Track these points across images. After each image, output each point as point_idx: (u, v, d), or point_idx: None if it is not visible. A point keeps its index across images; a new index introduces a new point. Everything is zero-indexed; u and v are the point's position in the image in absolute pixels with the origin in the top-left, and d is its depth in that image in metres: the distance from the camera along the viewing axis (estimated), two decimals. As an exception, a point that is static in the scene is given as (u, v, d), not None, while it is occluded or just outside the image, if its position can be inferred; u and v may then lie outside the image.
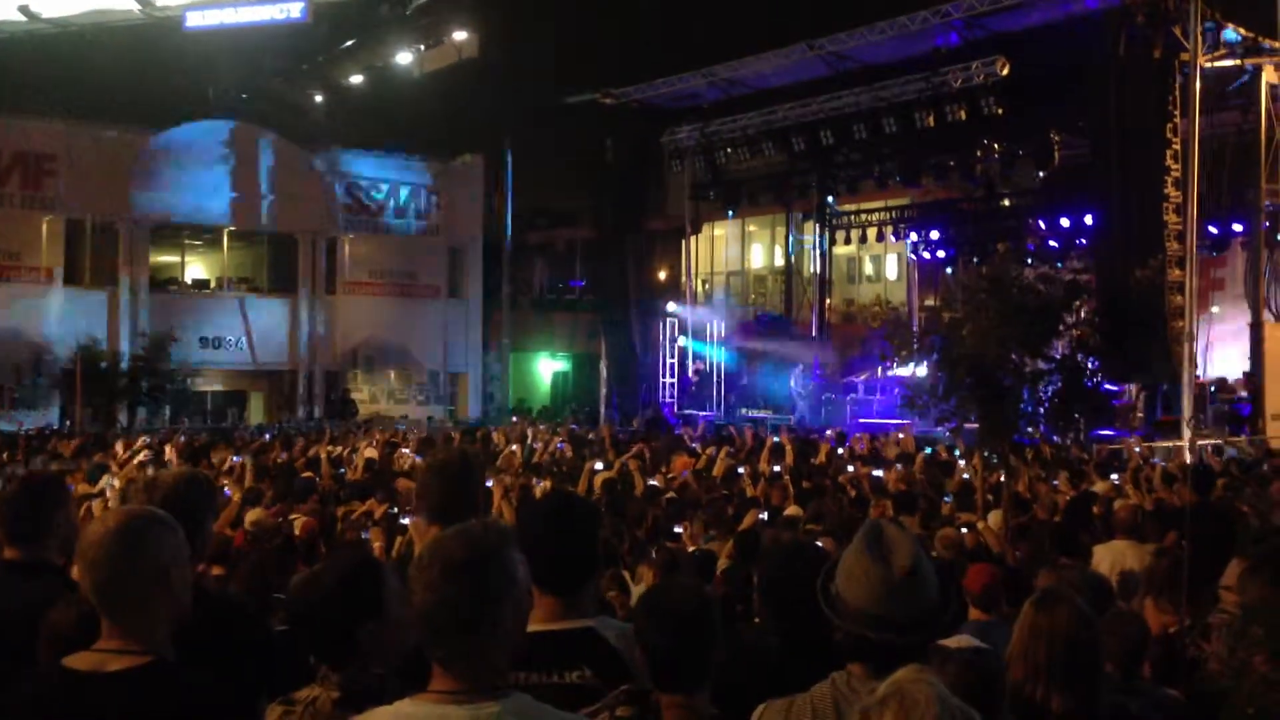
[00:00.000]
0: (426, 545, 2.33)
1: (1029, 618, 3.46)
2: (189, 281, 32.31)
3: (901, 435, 16.09)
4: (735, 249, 39.14)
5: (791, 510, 9.42)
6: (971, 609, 5.46)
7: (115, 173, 28.39)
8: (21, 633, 3.13)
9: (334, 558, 3.85)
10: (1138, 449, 15.61)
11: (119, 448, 15.54)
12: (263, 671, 3.26)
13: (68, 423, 25.11)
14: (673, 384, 31.27)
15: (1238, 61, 19.51)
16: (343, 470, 14.13)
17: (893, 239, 32.37)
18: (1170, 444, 17.33)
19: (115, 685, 2.54)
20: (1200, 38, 18.61)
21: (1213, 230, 22.06)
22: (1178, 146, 19.90)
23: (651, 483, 11.92)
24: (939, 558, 7.10)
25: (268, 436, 20.74)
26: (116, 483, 10.97)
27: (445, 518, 3.39)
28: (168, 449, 15.24)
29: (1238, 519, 8.23)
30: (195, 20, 25.97)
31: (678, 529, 8.37)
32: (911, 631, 2.56)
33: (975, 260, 27.52)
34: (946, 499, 10.76)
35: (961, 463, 13.67)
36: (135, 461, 13.37)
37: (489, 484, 7.99)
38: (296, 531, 8.60)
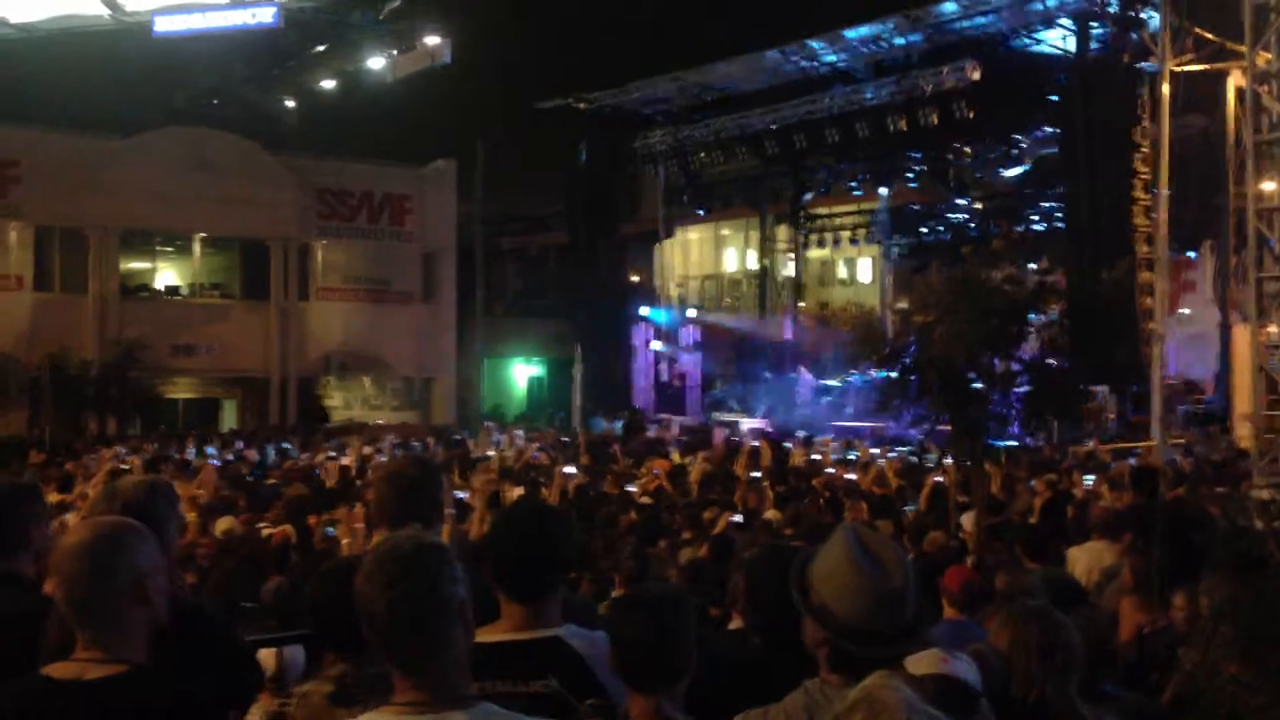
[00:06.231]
0: (374, 553, 2.30)
1: (1003, 625, 3.48)
2: (160, 288, 32.03)
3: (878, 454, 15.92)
4: (709, 252, 39.17)
5: (770, 514, 9.43)
6: (947, 608, 5.48)
7: (83, 179, 28.08)
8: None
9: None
10: (1103, 449, 15.69)
11: (104, 453, 15.34)
12: (231, 681, 3.22)
13: (35, 431, 24.85)
14: (647, 388, 31.24)
15: (1205, 66, 19.66)
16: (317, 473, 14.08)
17: (865, 242, 32.50)
18: (1125, 445, 17.44)
19: (95, 693, 2.52)
20: (1168, 42, 18.75)
21: (1181, 233, 22.23)
22: (1146, 149, 20.05)
23: (630, 488, 11.90)
24: (914, 557, 7.12)
25: (241, 445, 20.57)
26: (90, 492, 10.85)
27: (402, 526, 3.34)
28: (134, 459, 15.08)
29: (1207, 520, 8.27)
30: (164, 25, 25.72)
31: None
32: (897, 644, 2.56)
33: (947, 262, 27.66)
34: (909, 507, 10.78)
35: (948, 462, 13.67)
36: (105, 469, 13.24)
37: (463, 495, 7.91)
38: (272, 541, 8.51)
